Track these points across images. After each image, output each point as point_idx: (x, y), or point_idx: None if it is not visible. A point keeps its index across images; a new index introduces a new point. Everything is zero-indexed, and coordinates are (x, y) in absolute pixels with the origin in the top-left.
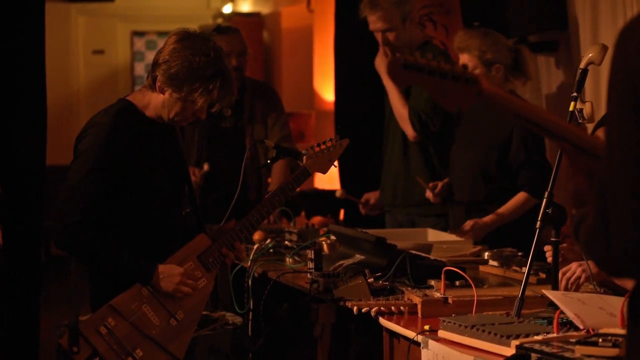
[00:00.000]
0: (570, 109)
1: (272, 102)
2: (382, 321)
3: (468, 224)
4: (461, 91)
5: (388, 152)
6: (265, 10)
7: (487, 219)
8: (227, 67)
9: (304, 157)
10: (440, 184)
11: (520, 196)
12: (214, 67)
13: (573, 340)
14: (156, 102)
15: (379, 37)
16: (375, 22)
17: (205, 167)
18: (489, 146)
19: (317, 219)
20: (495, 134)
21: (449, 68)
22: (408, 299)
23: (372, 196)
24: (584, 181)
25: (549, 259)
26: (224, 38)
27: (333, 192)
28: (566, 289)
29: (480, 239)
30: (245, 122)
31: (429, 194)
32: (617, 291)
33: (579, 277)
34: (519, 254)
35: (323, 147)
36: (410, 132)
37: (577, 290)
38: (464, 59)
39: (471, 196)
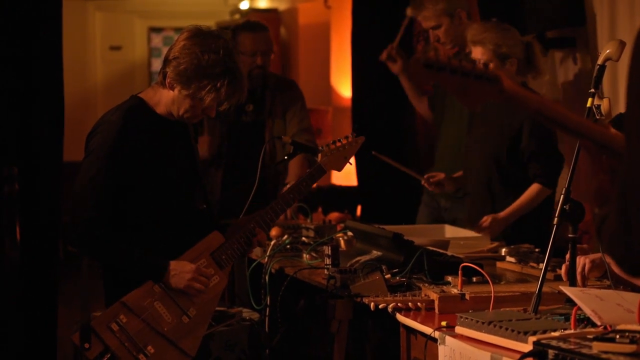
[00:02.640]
0: (588, 105)
1: (293, 97)
2: (399, 317)
3: (485, 220)
4: (483, 90)
5: (448, 143)
6: (282, 6)
7: (504, 213)
8: (238, 66)
9: (320, 154)
10: (437, 175)
11: (534, 187)
12: (222, 65)
13: (590, 336)
14: (167, 98)
15: (430, 34)
16: (422, 21)
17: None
18: (500, 137)
19: (334, 215)
20: (506, 125)
21: (470, 67)
22: (425, 295)
23: (439, 174)
24: (606, 179)
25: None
26: (250, 36)
27: (350, 188)
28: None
29: (497, 235)
30: (265, 117)
31: (424, 184)
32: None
33: (584, 266)
34: (536, 250)
35: (339, 144)
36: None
37: (585, 281)
38: (477, 52)
39: (485, 187)
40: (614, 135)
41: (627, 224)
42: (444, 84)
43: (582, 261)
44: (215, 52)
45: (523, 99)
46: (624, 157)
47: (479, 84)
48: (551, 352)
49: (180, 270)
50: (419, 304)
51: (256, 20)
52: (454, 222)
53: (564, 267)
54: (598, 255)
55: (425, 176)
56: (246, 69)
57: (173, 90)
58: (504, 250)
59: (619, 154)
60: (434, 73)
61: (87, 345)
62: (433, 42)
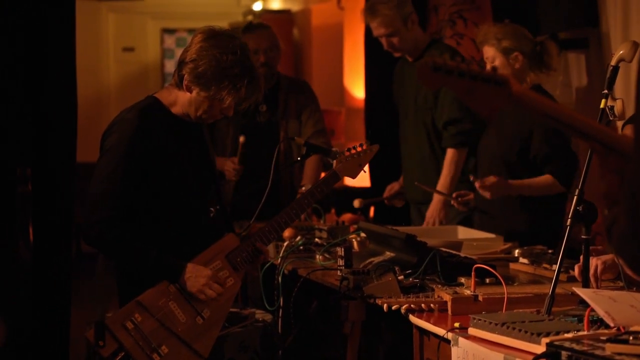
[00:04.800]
0: (601, 106)
1: (307, 98)
2: (412, 318)
3: (491, 179)
4: (491, 93)
5: (409, 150)
6: (295, 7)
7: (512, 182)
8: (254, 65)
9: (335, 161)
10: (466, 194)
11: (547, 177)
12: (241, 65)
13: (604, 338)
14: (183, 100)
15: (383, 42)
16: (377, 29)
17: (242, 139)
18: (510, 142)
19: (347, 216)
20: (517, 127)
21: (478, 70)
22: (438, 296)
23: (394, 185)
24: (615, 181)
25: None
26: (251, 36)
27: (364, 189)
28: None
29: (497, 197)
30: (279, 118)
31: (454, 203)
32: None
33: (596, 268)
34: (550, 251)
35: (353, 152)
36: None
37: (599, 283)
38: (486, 51)
39: None
40: (621, 137)
41: (635, 225)
42: (452, 88)
43: (594, 263)
44: (233, 52)
45: (531, 103)
46: (633, 157)
47: (487, 87)
48: (564, 354)
49: (196, 275)
50: (432, 305)
51: (256, 22)
52: None
53: (577, 267)
54: (611, 256)
55: (454, 195)
56: None
57: (191, 92)
58: (517, 251)
59: (627, 156)
60: (442, 77)
61: (101, 343)
62: (387, 49)
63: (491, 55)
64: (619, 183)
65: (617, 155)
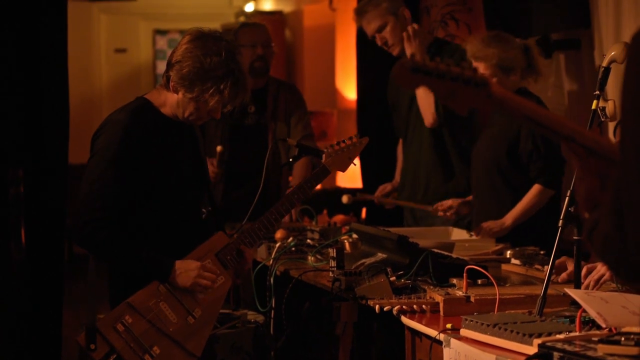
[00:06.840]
0: (593, 107)
1: (296, 101)
2: (404, 320)
3: (487, 226)
4: (471, 94)
5: (407, 149)
6: (287, 8)
7: (506, 219)
8: (240, 67)
9: (324, 155)
10: (445, 203)
11: (535, 189)
12: (225, 67)
13: (595, 339)
14: (171, 101)
15: (377, 38)
16: (367, 26)
17: (219, 148)
18: (499, 140)
19: (339, 218)
20: (504, 128)
21: (458, 71)
22: (430, 297)
23: (387, 185)
24: (595, 183)
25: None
26: (250, 30)
27: (356, 190)
28: (587, 287)
29: (499, 236)
30: (267, 120)
31: (441, 214)
32: None
33: (602, 275)
34: (541, 252)
35: (342, 145)
36: (430, 118)
37: (598, 288)
38: (480, 67)
39: (487, 189)
40: (602, 139)
41: (622, 228)
42: (431, 89)
43: (602, 271)
44: (217, 54)
45: (511, 104)
46: (618, 159)
47: (467, 88)
48: (556, 355)
49: (186, 269)
50: (424, 306)
51: (252, 21)
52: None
53: (585, 270)
54: None
55: (434, 206)
56: (247, 61)
57: (177, 94)
58: (509, 252)
59: (607, 158)
60: (421, 77)
61: (92, 347)
62: (382, 46)
63: (488, 74)
64: (599, 186)
65: (598, 157)
